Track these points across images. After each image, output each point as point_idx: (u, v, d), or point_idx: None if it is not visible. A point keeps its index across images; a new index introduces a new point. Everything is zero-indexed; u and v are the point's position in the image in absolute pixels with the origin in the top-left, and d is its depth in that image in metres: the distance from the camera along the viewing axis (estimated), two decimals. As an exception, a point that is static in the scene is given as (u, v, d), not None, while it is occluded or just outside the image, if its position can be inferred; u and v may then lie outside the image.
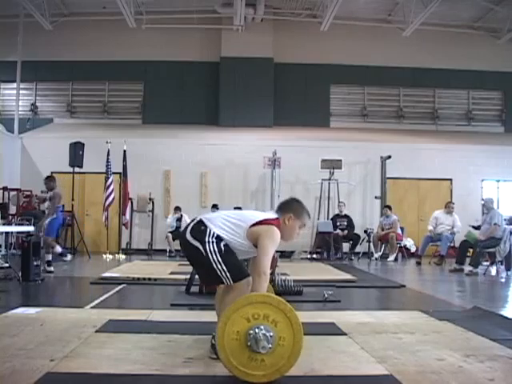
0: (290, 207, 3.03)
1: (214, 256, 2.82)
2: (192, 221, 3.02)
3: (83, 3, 13.67)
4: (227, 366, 2.55)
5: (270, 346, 2.53)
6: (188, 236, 2.91)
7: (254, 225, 2.88)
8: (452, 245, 10.52)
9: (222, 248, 2.85)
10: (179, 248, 10.66)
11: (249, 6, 13.18)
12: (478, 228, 9.29)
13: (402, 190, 12.96)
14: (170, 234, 11.60)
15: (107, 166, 10.77)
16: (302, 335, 2.58)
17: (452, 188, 13.00)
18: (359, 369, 2.78)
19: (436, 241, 10.61)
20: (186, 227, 2.98)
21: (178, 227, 11.68)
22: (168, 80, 14.29)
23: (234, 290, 2.85)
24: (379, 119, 14.84)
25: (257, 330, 2.53)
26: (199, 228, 2.90)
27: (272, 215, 2.98)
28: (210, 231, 2.86)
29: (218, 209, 11.87)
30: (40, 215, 10.50)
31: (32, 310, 4.34)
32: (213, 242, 2.83)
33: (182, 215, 11.76)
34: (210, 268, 2.83)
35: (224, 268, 2.82)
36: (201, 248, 2.84)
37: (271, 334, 2.55)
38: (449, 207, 10.58)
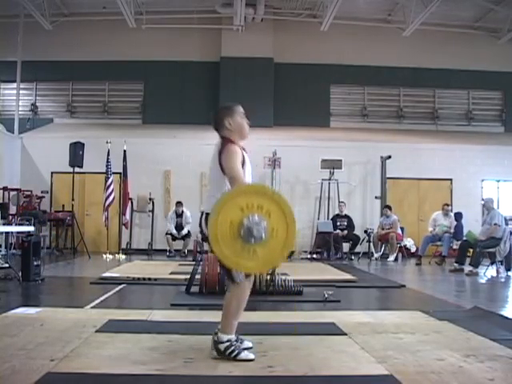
0: (220, 118, 3.12)
1: None
2: (201, 215, 3.04)
3: (83, 3, 13.66)
4: (220, 257, 2.54)
5: (263, 235, 2.51)
6: (204, 228, 2.94)
7: (220, 166, 2.92)
8: (452, 245, 10.55)
9: None
10: (179, 248, 10.67)
11: (249, 5, 13.16)
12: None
13: (402, 190, 12.95)
14: (169, 236, 11.55)
15: (107, 166, 10.75)
16: (295, 228, 2.56)
17: (452, 188, 13.00)
18: (359, 369, 2.78)
19: (436, 241, 10.67)
20: (200, 224, 3.01)
21: (178, 224, 11.59)
22: (168, 80, 14.28)
23: (236, 291, 2.88)
24: (379, 119, 14.83)
25: (250, 219, 2.50)
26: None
27: (219, 142, 3.05)
28: None
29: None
30: (40, 215, 10.51)
31: (32, 310, 4.34)
32: None
33: (183, 211, 11.66)
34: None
35: None
36: None
37: (264, 224, 2.52)
38: (444, 209, 10.75)
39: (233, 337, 2.90)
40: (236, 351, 2.85)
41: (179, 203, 11.69)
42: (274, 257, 2.57)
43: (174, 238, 11.55)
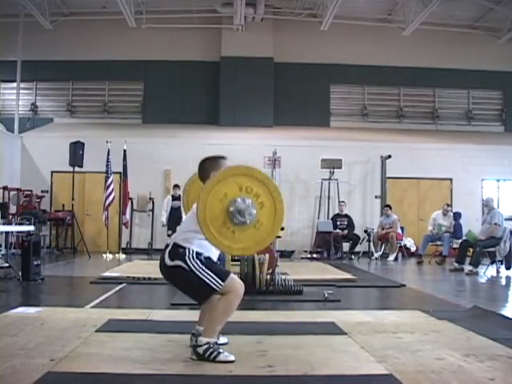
0: (206, 169, 3.08)
1: (197, 266, 2.86)
2: (166, 247, 3.01)
3: (83, 3, 13.66)
4: (200, 223, 2.60)
5: (248, 220, 2.59)
6: (167, 261, 2.93)
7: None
8: (452, 244, 10.56)
9: (202, 259, 2.89)
10: None
11: (249, 5, 13.16)
12: None
13: (402, 190, 12.95)
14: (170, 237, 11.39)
15: (107, 165, 10.74)
16: (278, 230, 2.66)
17: (452, 188, 13.00)
18: (359, 368, 2.78)
19: (436, 240, 10.68)
20: (163, 257, 2.97)
21: (174, 208, 11.27)
22: (168, 80, 14.28)
23: (230, 293, 2.86)
24: (379, 119, 14.83)
25: (245, 201, 2.59)
26: (177, 251, 2.91)
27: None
28: (189, 249, 2.89)
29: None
30: (40, 215, 10.51)
31: (32, 310, 4.34)
32: (193, 257, 2.87)
33: (179, 195, 11.43)
34: (198, 279, 2.85)
35: (209, 273, 2.85)
36: (183, 264, 2.87)
37: (254, 212, 2.59)
38: (444, 209, 10.78)
39: (212, 339, 2.88)
40: (215, 353, 2.82)
41: (176, 186, 11.36)
42: (247, 246, 2.64)
43: (172, 229, 11.23)
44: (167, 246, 3.00)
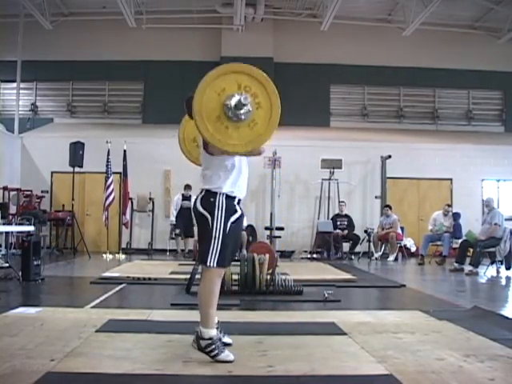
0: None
1: (219, 231, 2.91)
2: (201, 192, 3.05)
3: (83, 3, 13.65)
4: (195, 113, 2.58)
5: (243, 116, 2.60)
6: (199, 206, 2.99)
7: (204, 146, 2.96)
8: (452, 244, 10.56)
9: (228, 226, 2.93)
10: (183, 248, 10.41)
11: (249, 5, 13.16)
12: None
13: (402, 190, 12.95)
14: (177, 236, 11.33)
15: (107, 165, 10.74)
16: (271, 133, 2.71)
17: (452, 188, 12.99)
18: (359, 368, 2.78)
19: (436, 240, 10.68)
20: (196, 200, 3.05)
21: (184, 208, 10.95)
22: (168, 80, 14.27)
23: (205, 279, 2.96)
24: (379, 119, 14.82)
25: (243, 97, 2.60)
26: (209, 199, 2.96)
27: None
28: (219, 195, 2.92)
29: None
30: (40, 215, 10.51)
31: (32, 310, 4.34)
32: (221, 218, 2.92)
33: (190, 195, 11.04)
34: (208, 241, 2.92)
35: (220, 248, 2.90)
36: (209, 219, 2.93)
37: (250, 109, 2.62)
38: (445, 209, 10.79)
39: (215, 334, 2.89)
40: (216, 351, 2.83)
41: (188, 186, 11.18)
42: (237, 143, 2.67)
43: (180, 235, 11.20)
44: (202, 190, 3.02)
